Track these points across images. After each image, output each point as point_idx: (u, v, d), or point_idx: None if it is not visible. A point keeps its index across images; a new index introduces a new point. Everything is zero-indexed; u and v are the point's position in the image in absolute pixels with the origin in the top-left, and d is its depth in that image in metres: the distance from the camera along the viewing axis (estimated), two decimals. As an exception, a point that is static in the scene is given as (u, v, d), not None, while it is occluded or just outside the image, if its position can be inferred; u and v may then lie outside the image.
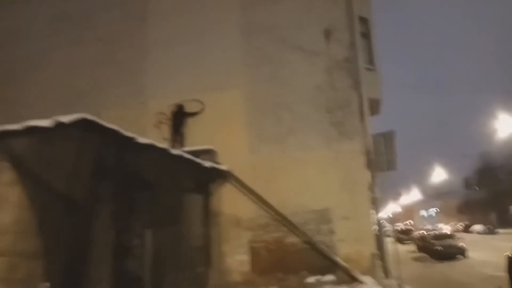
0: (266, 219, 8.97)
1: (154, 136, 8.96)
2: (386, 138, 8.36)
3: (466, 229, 48.23)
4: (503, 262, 7.75)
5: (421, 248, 19.66)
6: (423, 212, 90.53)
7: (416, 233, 26.18)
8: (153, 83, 10.39)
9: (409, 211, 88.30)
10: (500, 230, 36.41)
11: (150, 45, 10.71)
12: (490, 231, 38.82)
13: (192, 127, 9.92)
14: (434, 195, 70.90)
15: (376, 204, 9.59)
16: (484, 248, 20.52)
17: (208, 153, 9.11)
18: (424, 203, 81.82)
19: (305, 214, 8.82)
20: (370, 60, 10.88)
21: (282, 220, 8.85)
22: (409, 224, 60.83)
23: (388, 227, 53.35)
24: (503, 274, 8.03)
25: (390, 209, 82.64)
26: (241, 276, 8.75)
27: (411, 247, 21.72)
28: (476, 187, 59.17)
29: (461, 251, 16.94)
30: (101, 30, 10.91)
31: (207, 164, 8.63)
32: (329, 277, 8.18)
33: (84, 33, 11.02)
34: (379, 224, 10.05)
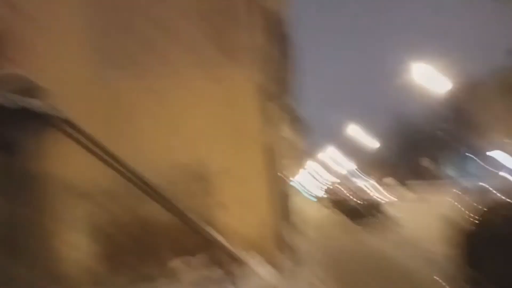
0: (112, 180, 5.98)
1: None
2: (281, 46, 5.65)
3: (381, 183, 50.21)
4: (443, 232, 5.52)
5: (338, 207, 18.36)
6: (342, 169, 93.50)
7: (338, 191, 24.79)
8: None
9: (329, 169, 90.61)
10: (411, 182, 37.69)
11: None
12: (402, 183, 40.28)
13: None
14: (352, 151, 72.68)
15: (278, 154, 7.09)
16: (407, 209, 19.06)
17: (15, 81, 5.75)
18: (343, 160, 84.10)
19: (169, 171, 6.01)
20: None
21: (135, 180, 5.93)
22: (333, 183, 60.65)
23: (309, 187, 52.70)
24: (446, 249, 5.72)
25: (311, 166, 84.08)
26: (77, 267, 5.85)
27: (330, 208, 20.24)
28: (390, 141, 61.38)
29: (381, 209, 15.67)
30: None
31: (10, 100, 5.31)
32: (201, 258, 5.65)
33: None
34: (284, 182, 7.68)
